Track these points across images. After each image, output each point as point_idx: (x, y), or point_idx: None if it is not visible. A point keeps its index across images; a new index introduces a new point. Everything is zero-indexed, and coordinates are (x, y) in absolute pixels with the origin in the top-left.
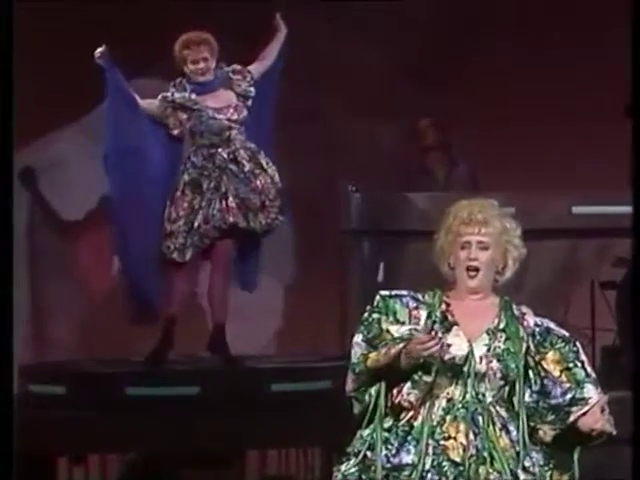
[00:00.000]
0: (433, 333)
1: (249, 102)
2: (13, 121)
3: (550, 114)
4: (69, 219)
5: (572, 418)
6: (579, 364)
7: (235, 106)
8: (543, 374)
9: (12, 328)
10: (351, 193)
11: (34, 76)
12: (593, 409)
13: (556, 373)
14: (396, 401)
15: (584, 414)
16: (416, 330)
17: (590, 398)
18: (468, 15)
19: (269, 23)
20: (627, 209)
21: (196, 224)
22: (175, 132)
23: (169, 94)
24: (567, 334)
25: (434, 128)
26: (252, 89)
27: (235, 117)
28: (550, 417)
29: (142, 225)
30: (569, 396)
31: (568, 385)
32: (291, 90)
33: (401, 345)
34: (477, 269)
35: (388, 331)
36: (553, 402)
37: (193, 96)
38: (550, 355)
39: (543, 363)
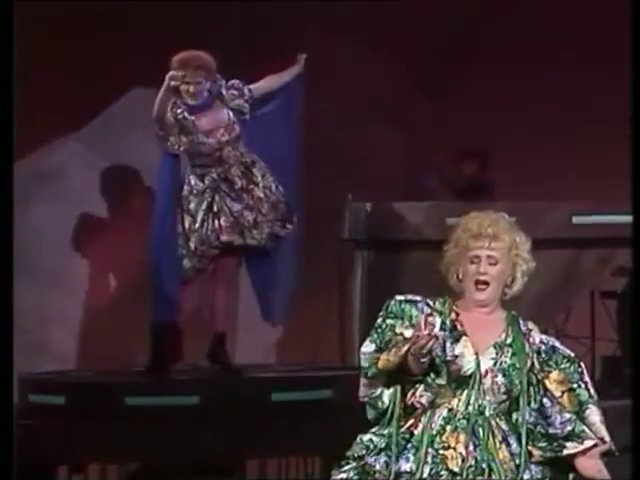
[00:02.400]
0: (442, 341)
1: (246, 117)
2: (13, 129)
3: (551, 125)
4: (68, 229)
5: (565, 453)
6: (583, 385)
7: (227, 125)
8: (543, 392)
9: (12, 338)
10: (350, 202)
11: (35, 85)
12: (591, 452)
13: (557, 393)
14: (409, 402)
15: (582, 452)
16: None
17: (587, 439)
18: (471, 28)
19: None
20: (627, 219)
21: (193, 246)
22: (173, 151)
23: (173, 114)
24: (572, 354)
25: (477, 160)
26: (247, 105)
27: (226, 138)
28: (542, 444)
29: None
30: (568, 429)
31: (568, 416)
32: None
33: (409, 344)
34: (487, 283)
35: (402, 334)
36: (551, 431)
37: (187, 115)
38: (554, 375)
39: (546, 382)
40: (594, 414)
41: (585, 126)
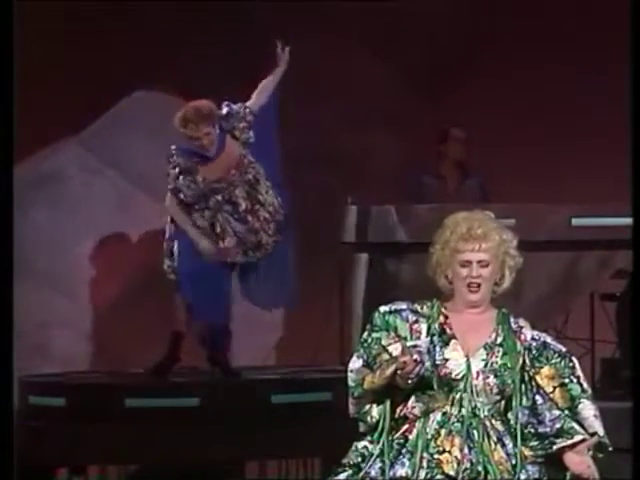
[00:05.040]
0: (431, 347)
1: (251, 141)
2: (13, 132)
3: (551, 127)
4: (68, 232)
5: (555, 448)
6: (575, 379)
7: (237, 164)
8: (535, 389)
9: (12, 340)
10: (350, 205)
11: (35, 89)
12: (579, 447)
13: (549, 389)
14: (401, 414)
15: (570, 448)
16: (414, 346)
17: (576, 435)
18: (471, 29)
19: (271, 53)
20: (627, 221)
21: None
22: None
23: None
24: (563, 349)
25: (461, 140)
26: (252, 133)
27: (236, 177)
28: (533, 443)
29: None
30: (557, 426)
31: (557, 413)
32: (289, 103)
33: (394, 366)
34: (479, 284)
35: (386, 350)
36: (540, 430)
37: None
38: (545, 370)
39: (537, 377)
40: (587, 408)
41: (585, 128)
